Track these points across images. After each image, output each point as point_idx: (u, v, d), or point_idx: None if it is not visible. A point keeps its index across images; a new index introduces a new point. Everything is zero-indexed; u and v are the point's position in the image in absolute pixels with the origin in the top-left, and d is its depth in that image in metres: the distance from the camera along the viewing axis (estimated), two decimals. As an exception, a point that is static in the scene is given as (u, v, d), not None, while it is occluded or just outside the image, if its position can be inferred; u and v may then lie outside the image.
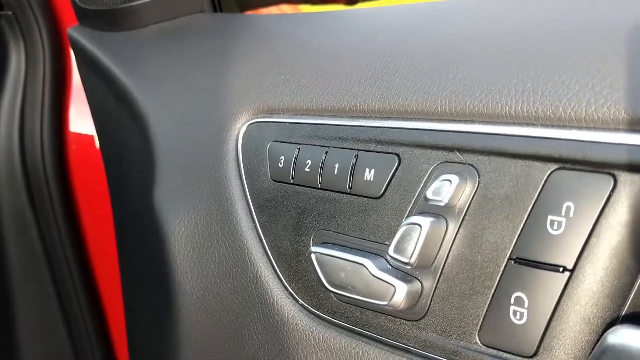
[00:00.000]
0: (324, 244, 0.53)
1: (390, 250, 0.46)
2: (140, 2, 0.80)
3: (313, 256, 0.52)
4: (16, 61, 1.07)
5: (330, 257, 0.51)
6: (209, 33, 0.78)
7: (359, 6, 1.00)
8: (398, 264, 0.47)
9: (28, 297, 1.11)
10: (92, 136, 1.04)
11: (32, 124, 1.06)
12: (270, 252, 0.58)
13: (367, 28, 0.64)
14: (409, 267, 0.46)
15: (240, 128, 0.61)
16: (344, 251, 0.50)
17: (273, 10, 1.01)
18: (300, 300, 0.56)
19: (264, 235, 0.58)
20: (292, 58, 0.63)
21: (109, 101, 0.82)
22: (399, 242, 0.46)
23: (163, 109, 0.70)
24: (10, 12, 1.05)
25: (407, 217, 0.47)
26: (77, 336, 1.13)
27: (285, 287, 0.57)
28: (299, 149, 0.56)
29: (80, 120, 1.07)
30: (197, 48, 0.75)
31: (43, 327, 1.13)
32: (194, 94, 0.68)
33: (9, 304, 1.10)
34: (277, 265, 0.57)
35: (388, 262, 0.48)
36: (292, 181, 0.56)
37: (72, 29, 0.89)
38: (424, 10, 0.62)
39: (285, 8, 1.02)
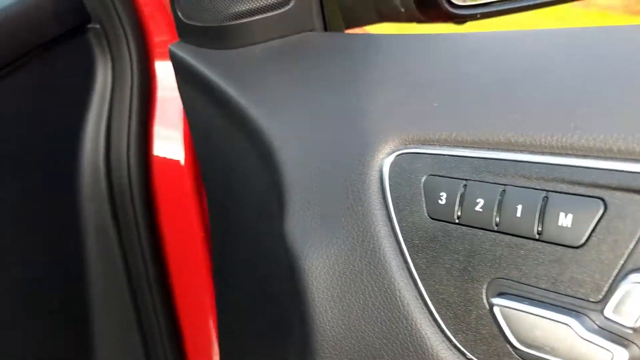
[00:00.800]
0: (502, 294, 0.48)
1: (608, 311, 0.41)
2: (251, 19, 0.76)
3: (497, 309, 0.47)
4: (102, 76, 1.04)
5: (521, 312, 0.45)
6: (328, 53, 0.74)
7: (467, 26, 0.95)
8: (611, 325, 0.41)
9: (106, 315, 1.08)
10: (179, 158, 1.01)
11: (118, 143, 1.02)
12: (429, 297, 0.53)
13: (513, 53, 0.59)
14: (628, 331, 0.40)
15: (384, 159, 0.57)
16: (536, 306, 0.45)
17: (377, 29, 0.97)
18: (468, 354, 0.50)
19: (420, 278, 0.53)
20: (437, 83, 0.58)
21: (218, 122, 0.78)
22: (620, 302, 0.40)
23: (289, 134, 0.65)
24: (97, 25, 1.02)
25: (626, 273, 0.41)
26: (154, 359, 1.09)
27: (448, 337, 0.52)
28: (465, 185, 0.50)
29: (168, 140, 1.03)
30: (320, 69, 0.70)
31: (121, 346, 1.10)
32: (324, 119, 0.64)
33: (88, 319, 1.07)
34: (437, 312, 0.52)
35: (594, 322, 0.43)
36: (457, 220, 0.51)
37: (174, 45, 0.85)
38: (553, 37, 0.57)
39: (388, 27, 0.98)
